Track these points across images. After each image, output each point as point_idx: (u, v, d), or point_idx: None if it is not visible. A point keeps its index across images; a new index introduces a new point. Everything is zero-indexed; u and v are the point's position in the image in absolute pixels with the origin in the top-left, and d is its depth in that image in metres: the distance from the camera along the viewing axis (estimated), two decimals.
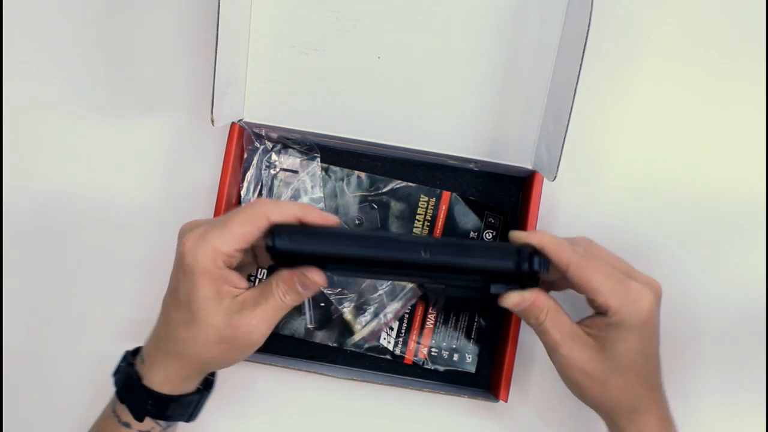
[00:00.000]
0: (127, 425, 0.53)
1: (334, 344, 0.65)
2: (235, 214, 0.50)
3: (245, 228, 0.49)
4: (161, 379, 0.52)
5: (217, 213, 0.61)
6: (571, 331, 0.52)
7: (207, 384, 0.56)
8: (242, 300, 0.51)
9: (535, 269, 0.50)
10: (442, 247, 0.50)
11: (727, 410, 0.65)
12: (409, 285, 0.64)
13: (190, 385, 0.54)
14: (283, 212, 0.50)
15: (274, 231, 0.49)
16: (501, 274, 0.51)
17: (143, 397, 0.52)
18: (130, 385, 0.53)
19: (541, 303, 0.52)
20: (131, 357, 0.54)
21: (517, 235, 0.53)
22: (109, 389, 0.54)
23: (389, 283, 0.64)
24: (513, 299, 0.52)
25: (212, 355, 0.51)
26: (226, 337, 0.50)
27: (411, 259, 0.50)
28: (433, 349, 0.64)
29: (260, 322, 0.50)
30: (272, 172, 0.65)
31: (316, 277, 0.50)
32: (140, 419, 0.52)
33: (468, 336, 0.65)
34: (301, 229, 0.50)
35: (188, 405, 0.54)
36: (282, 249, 0.49)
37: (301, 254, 0.50)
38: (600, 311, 0.52)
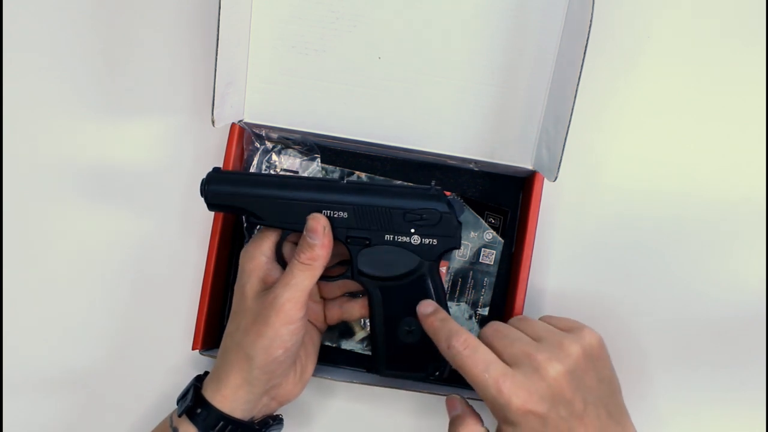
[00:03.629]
0: None
1: (334, 345, 0.65)
2: None
3: None
4: (216, 392, 0.53)
5: (216, 213, 0.61)
6: None
7: (276, 420, 0.58)
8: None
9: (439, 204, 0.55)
10: (362, 182, 0.57)
11: (727, 410, 0.65)
12: None
13: (247, 405, 0.54)
14: None
15: (209, 176, 0.56)
16: (414, 198, 0.56)
17: (210, 414, 0.53)
18: (198, 400, 0.54)
19: (467, 423, 0.52)
20: (200, 378, 0.57)
21: (422, 306, 0.55)
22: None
23: None
24: (451, 400, 0.54)
25: (250, 342, 0.52)
26: (258, 315, 0.52)
27: (331, 183, 0.56)
28: None
29: (285, 290, 0.52)
30: (272, 172, 0.65)
31: (319, 219, 0.54)
32: None
33: None
34: (231, 174, 0.58)
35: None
36: (213, 190, 0.55)
37: (228, 194, 0.55)
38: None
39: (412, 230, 0.56)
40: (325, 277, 0.56)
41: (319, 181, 0.57)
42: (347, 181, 0.56)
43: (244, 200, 0.55)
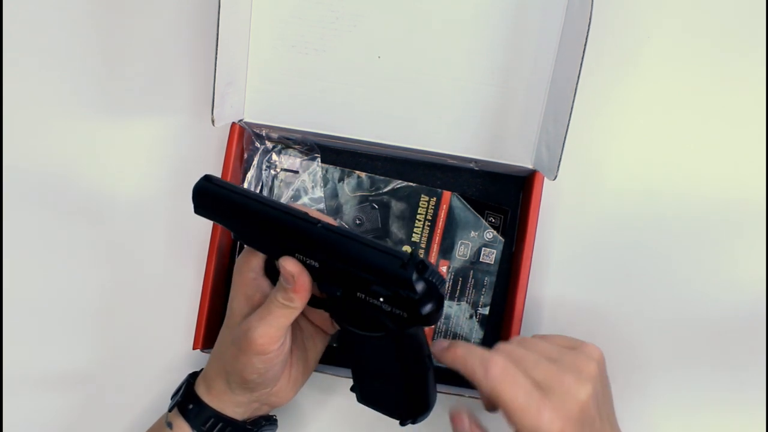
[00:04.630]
0: None
1: (335, 344, 0.64)
2: None
3: None
4: (205, 391, 0.54)
5: None
6: None
7: (269, 421, 0.57)
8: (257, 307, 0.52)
9: (412, 278, 0.46)
10: (338, 231, 0.49)
11: (728, 410, 0.65)
12: None
13: (237, 407, 0.54)
14: None
15: (199, 185, 0.53)
16: (383, 273, 0.48)
17: (202, 411, 0.53)
18: (190, 396, 0.54)
19: (461, 420, 0.50)
20: (194, 375, 0.57)
21: (437, 346, 0.52)
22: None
23: None
24: (458, 416, 0.51)
25: (229, 359, 0.52)
26: (236, 337, 0.51)
27: (304, 227, 0.50)
28: None
29: (259, 324, 0.50)
30: (273, 172, 0.65)
31: (290, 266, 0.50)
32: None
33: (469, 336, 0.65)
34: (223, 187, 0.53)
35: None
36: (199, 203, 0.53)
37: (212, 210, 0.53)
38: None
39: (381, 299, 0.49)
40: (312, 302, 0.53)
41: (299, 220, 0.50)
42: (323, 226, 0.50)
43: (224, 218, 0.53)
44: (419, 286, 0.47)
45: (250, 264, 0.53)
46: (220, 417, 0.53)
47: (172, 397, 0.56)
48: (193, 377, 0.56)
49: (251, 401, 0.54)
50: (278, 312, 0.50)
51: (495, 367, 0.48)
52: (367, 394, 0.55)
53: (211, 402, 0.53)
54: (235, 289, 0.54)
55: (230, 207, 0.52)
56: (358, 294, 0.50)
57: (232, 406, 0.54)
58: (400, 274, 0.47)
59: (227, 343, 0.53)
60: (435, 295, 0.48)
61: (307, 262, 0.51)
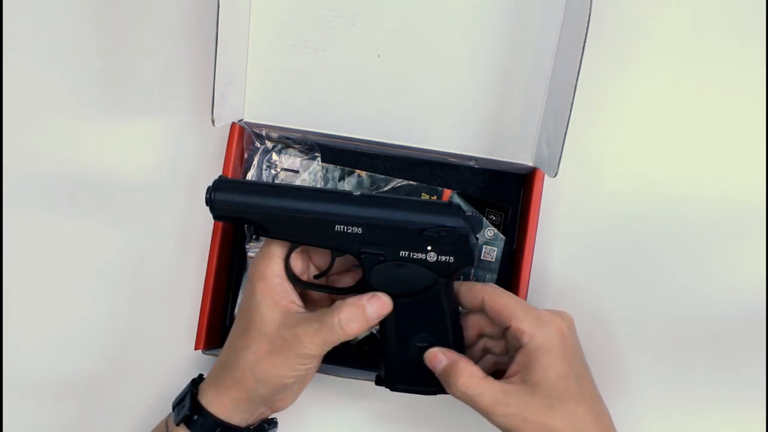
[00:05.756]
0: None
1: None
2: None
3: None
4: (213, 399, 0.53)
5: None
6: (501, 389, 0.50)
7: (271, 424, 0.57)
8: (300, 318, 0.52)
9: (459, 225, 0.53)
10: (378, 195, 0.54)
11: (727, 410, 0.65)
12: None
13: (245, 414, 0.54)
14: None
15: (215, 184, 0.53)
16: (432, 217, 0.53)
17: (207, 421, 0.53)
18: (194, 406, 0.53)
19: (461, 367, 0.51)
20: (196, 383, 0.56)
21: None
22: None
23: None
24: (432, 355, 0.53)
25: (263, 368, 0.51)
26: (277, 347, 0.51)
27: (344, 196, 0.53)
28: None
29: (312, 343, 0.51)
30: (273, 172, 0.65)
31: (386, 299, 0.52)
32: None
33: None
34: (239, 183, 0.55)
35: None
36: (219, 200, 0.53)
37: (236, 204, 0.53)
38: (515, 342, 0.52)
39: (429, 247, 0.53)
40: (334, 288, 0.55)
41: (331, 194, 0.55)
42: (361, 193, 0.54)
43: (253, 212, 0.53)
44: (465, 223, 0.53)
45: (272, 269, 0.53)
46: (225, 426, 0.53)
47: (174, 407, 0.55)
48: (195, 385, 0.55)
49: (261, 406, 0.54)
50: (334, 337, 0.51)
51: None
52: (403, 375, 0.55)
53: (217, 411, 0.53)
54: (260, 296, 0.52)
55: (259, 197, 0.53)
56: (402, 253, 0.53)
57: (241, 413, 0.53)
58: (449, 213, 0.53)
59: (260, 353, 0.52)
60: (476, 227, 0.54)
61: (348, 230, 0.53)
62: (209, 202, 0.53)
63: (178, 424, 0.53)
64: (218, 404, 0.53)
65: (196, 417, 0.53)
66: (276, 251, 0.53)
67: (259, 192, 0.53)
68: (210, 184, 0.53)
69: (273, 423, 0.58)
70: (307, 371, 0.53)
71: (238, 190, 0.53)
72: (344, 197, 0.53)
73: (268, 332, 0.52)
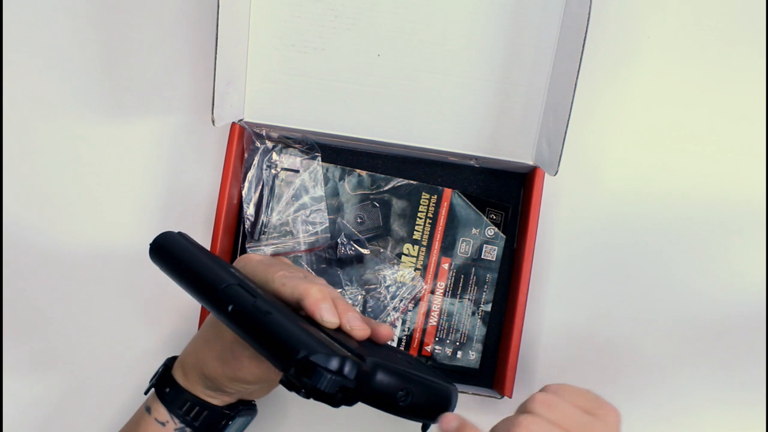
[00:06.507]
0: (162, 424, 0.53)
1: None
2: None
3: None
4: (182, 377, 0.53)
5: (218, 214, 0.61)
6: None
7: (248, 406, 0.56)
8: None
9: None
10: (244, 312, 0.43)
11: (727, 410, 0.65)
12: (410, 282, 0.64)
13: (215, 399, 0.53)
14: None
15: (159, 238, 0.50)
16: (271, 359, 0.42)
17: (179, 394, 0.53)
18: (167, 380, 0.54)
19: (447, 420, 0.45)
20: (171, 360, 0.56)
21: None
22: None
23: (392, 281, 0.64)
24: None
25: (211, 368, 0.51)
26: (224, 358, 0.50)
27: (216, 304, 0.45)
28: (436, 348, 0.64)
29: (250, 373, 0.50)
30: (273, 171, 0.65)
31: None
32: (175, 414, 0.53)
33: (471, 333, 0.65)
34: (179, 244, 0.49)
35: (219, 417, 0.54)
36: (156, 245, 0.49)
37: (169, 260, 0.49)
38: None
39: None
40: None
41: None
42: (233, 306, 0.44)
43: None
44: (303, 393, 0.41)
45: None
46: (196, 401, 0.53)
47: (150, 380, 0.56)
48: (171, 361, 0.56)
49: (226, 397, 0.54)
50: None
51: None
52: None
53: (188, 387, 0.53)
54: None
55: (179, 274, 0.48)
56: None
57: (210, 397, 0.53)
58: (283, 377, 0.41)
59: (213, 352, 0.51)
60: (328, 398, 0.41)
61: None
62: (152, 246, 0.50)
63: (147, 392, 0.55)
64: (187, 382, 0.53)
65: (168, 390, 0.53)
66: (252, 256, 0.53)
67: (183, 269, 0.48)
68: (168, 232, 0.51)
69: (250, 405, 0.57)
70: (247, 389, 0.52)
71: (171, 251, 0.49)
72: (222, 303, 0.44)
73: (226, 338, 0.50)
